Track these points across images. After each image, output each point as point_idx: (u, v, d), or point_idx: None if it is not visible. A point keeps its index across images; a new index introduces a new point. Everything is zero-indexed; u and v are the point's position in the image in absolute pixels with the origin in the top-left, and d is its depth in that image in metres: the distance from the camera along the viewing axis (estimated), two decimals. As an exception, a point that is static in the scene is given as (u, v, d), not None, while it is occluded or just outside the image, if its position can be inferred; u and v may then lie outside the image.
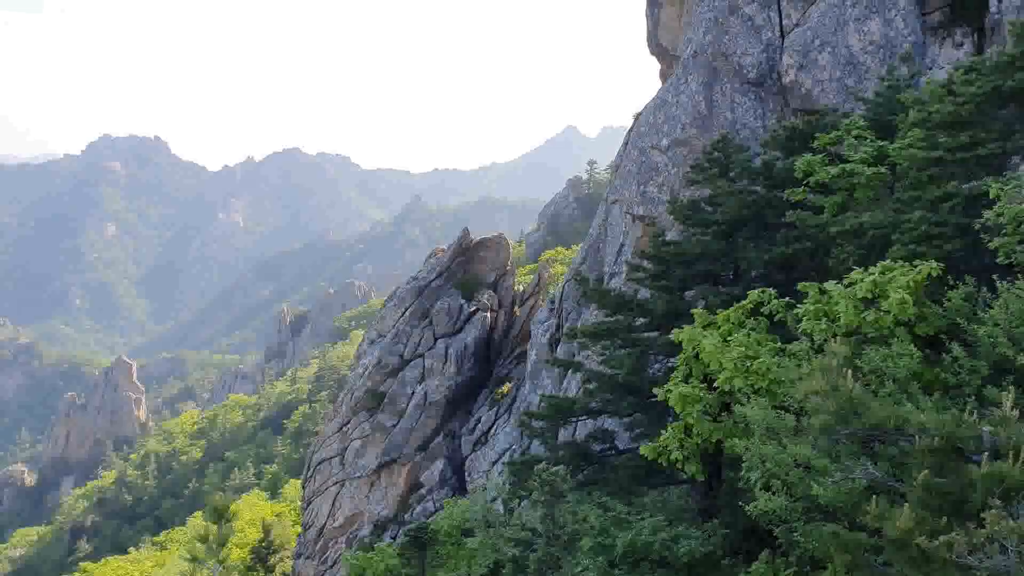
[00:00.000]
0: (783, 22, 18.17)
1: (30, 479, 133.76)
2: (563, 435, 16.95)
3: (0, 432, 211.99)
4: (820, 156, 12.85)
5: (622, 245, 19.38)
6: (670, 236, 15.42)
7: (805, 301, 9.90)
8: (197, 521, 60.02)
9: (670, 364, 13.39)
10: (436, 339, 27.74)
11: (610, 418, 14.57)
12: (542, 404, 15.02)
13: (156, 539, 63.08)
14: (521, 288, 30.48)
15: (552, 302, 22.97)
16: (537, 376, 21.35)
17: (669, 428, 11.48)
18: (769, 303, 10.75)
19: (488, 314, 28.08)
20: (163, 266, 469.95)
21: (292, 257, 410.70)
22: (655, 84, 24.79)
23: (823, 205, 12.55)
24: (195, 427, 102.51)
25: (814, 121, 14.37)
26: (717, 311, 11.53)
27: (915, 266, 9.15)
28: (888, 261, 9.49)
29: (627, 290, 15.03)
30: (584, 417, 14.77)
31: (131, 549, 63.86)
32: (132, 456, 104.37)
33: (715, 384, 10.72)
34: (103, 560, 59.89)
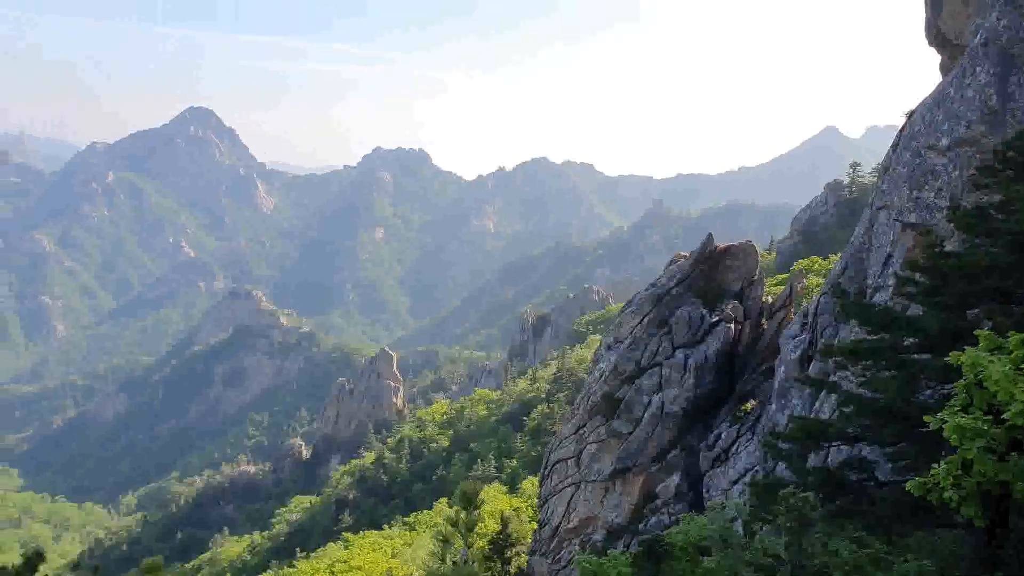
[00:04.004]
0: (1106, -3, 15.38)
1: (306, 453, 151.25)
2: (812, 460, 15.71)
3: (285, 408, 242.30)
4: None
5: (889, 256, 17.56)
6: (949, 247, 13.70)
7: None
8: (443, 506, 64.15)
9: (944, 391, 11.86)
10: (675, 348, 27.00)
11: (869, 446, 13.22)
12: (790, 425, 14.00)
13: (406, 520, 67.96)
14: (770, 299, 28.75)
15: (805, 316, 21.40)
16: (785, 395, 20.00)
17: (942, 463, 10.12)
18: (1080, 328, 9.10)
19: (732, 326, 26.82)
20: (422, 266, 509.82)
21: (536, 261, 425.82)
22: (933, 78, 22.24)
23: None
24: (444, 417, 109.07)
25: None
26: (1008, 334, 9.99)
27: None
28: None
29: (894, 306, 13.57)
30: (838, 443, 13.55)
31: (385, 526, 69.55)
32: (389, 440, 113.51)
33: (1003, 417, 9.27)
34: (362, 533, 65.99)
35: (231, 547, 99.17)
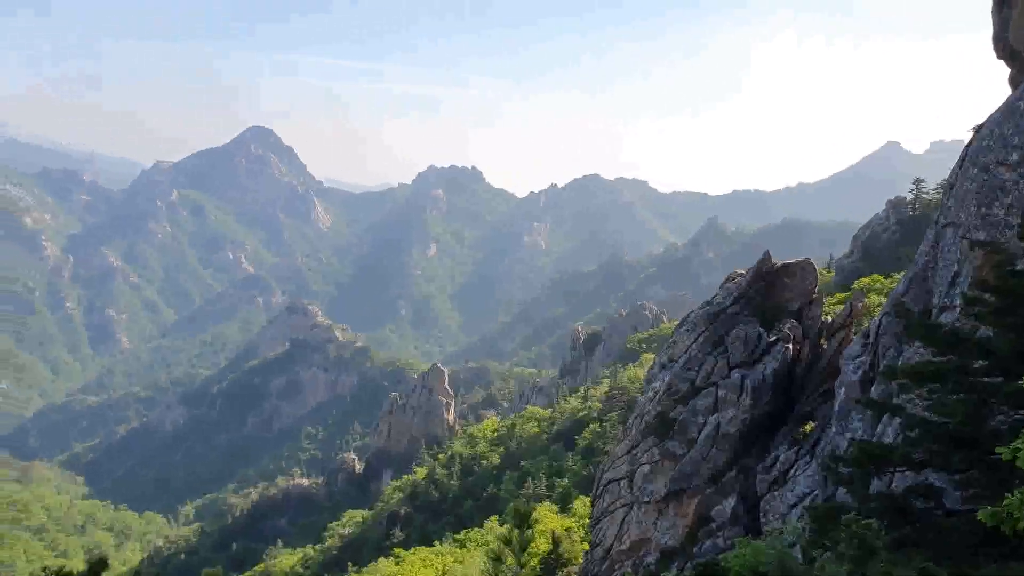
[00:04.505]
0: None
1: (359, 467, 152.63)
2: (875, 485, 15.20)
3: (339, 422, 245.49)
4: None
5: (956, 275, 16.97)
6: (1021, 265, 13.17)
7: None
8: (494, 524, 63.91)
9: (1017, 416, 11.36)
10: (731, 368, 26.48)
11: (936, 472, 12.72)
12: (851, 449, 13.58)
13: (457, 537, 67.88)
14: (829, 319, 28.02)
15: (866, 336, 20.80)
16: (845, 417, 19.42)
17: (1016, 491, 9.69)
18: None
19: (790, 345, 26.20)
20: (474, 283, 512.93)
21: (587, 277, 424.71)
22: (1002, 92, 21.56)
23: None
24: (495, 434, 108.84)
25: None
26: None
27: None
28: None
29: (962, 326, 13.08)
30: (903, 468, 13.07)
31: (435, 542, 69.55)
32: (440, 456, 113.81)
33: (1082, 446, 8.83)
34: (412, 549, 66.14)
35: (284, 559, 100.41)
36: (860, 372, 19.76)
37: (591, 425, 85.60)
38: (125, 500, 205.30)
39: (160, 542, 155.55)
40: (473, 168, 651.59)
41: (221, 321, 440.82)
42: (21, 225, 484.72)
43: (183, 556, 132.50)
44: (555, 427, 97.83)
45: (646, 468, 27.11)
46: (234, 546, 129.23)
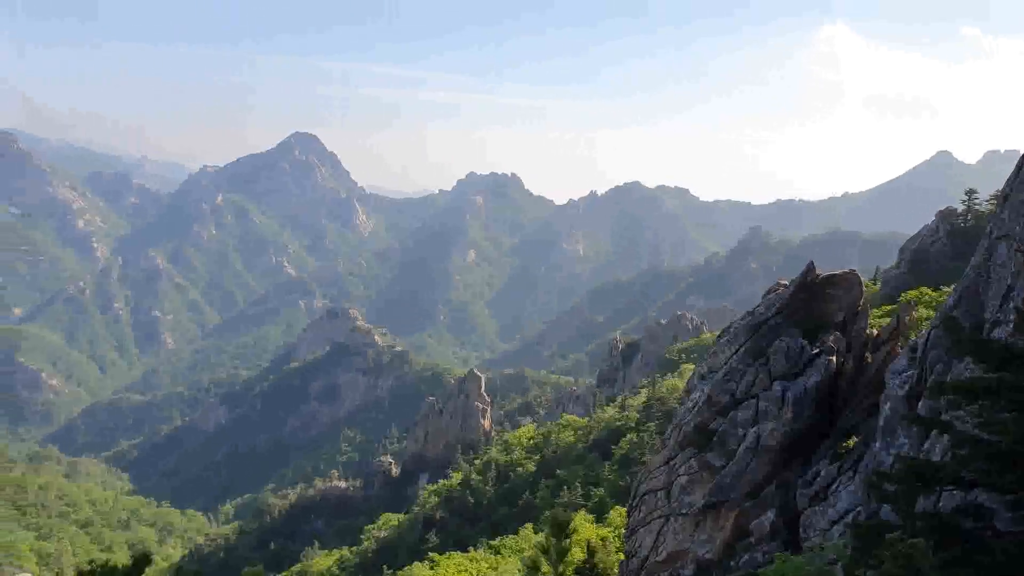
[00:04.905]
0: None
1: (395, 470, 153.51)
2: (921, 504, 14.82)
3: (376, 425, 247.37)
4: None
5: (1010, 288, 16.49)
6: (1078, 281, 12.74)
7: None
8: (529, 531, 63.73)
9: (1073, 436, 10.97)
10: (772, 381, 26.03)
11: (986, 492, 12.36)
12: (897, 465, 13.26)
13: (491, 543, 67.79)
14: (875, 332, 27.43)
15: (913, 350, 20.30)
16: (891, 433, 18.97)
17: (1071, 515, 9.37)
18: None
19: (833, 358, 25.69)
20: (512, 289, 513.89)
21: (626, 286, 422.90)
22: (1059, 100, 20.92)
23: None
24: (531, 442, 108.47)
25: None
26: None
27: None
28: None
29: (1015, 342, 12.71)
30: (951, 487, 12.71)
31: (470, 548, 69.53)
32: (476, 461, 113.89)
33: None
34: (447, 553, 66.24)
35: (321, 560, 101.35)
36: (907, 387, 19.29)
37: (628, 435, 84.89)
38: (167, 497, 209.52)
39: (201, 539, 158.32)
40: (512, 175, 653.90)
41: (263, 323, 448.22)
42: (74, 227, 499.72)
43: (222, 554, 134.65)
44: (592, 436, 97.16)
45: (684, 480, 26.80)
46: (272, 545, 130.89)
